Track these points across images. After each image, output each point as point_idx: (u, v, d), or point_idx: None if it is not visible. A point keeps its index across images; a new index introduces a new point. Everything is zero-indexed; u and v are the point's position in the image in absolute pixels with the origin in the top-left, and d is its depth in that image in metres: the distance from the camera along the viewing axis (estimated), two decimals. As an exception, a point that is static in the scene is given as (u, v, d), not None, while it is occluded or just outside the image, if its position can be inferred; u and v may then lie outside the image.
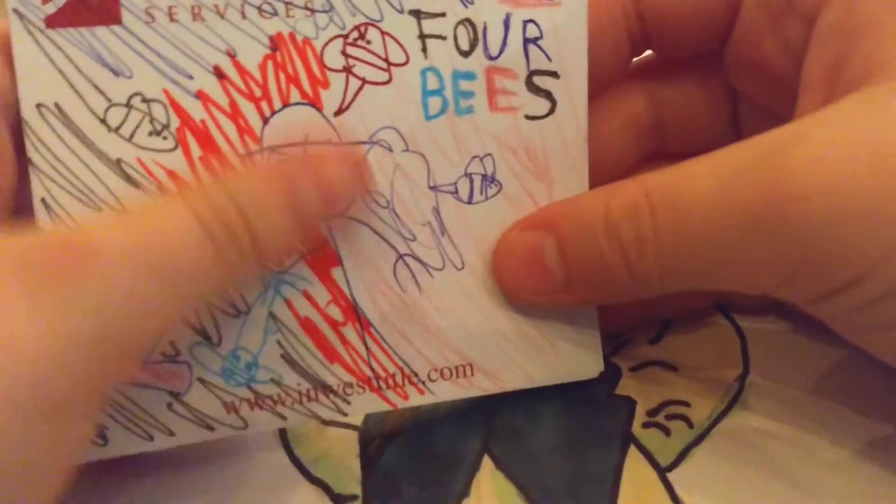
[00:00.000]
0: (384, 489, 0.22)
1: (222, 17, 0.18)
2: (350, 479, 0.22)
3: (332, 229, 0.19)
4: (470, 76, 0.20)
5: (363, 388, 0.20)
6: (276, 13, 0.18)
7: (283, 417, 0.19)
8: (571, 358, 0.21)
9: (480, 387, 0.21)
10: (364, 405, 0.20)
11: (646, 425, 0.24)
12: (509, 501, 0.22)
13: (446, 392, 0.20)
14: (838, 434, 0.22)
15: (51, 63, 0.17)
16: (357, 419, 0.24)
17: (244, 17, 0.18)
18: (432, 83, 0.19)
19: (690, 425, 0.23)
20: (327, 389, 0.20)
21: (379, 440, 0.23)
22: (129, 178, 0.18)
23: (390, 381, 0.20)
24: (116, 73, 0.18)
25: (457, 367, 0.21)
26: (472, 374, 0.21)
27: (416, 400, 0.20)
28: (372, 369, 0.20)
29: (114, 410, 0.18)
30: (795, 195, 0.17)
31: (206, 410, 0.19)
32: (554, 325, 0.21)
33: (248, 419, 0.19)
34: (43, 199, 0.17)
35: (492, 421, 0.24)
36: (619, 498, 0.22)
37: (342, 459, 0.23)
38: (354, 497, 0.22)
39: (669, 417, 0.24)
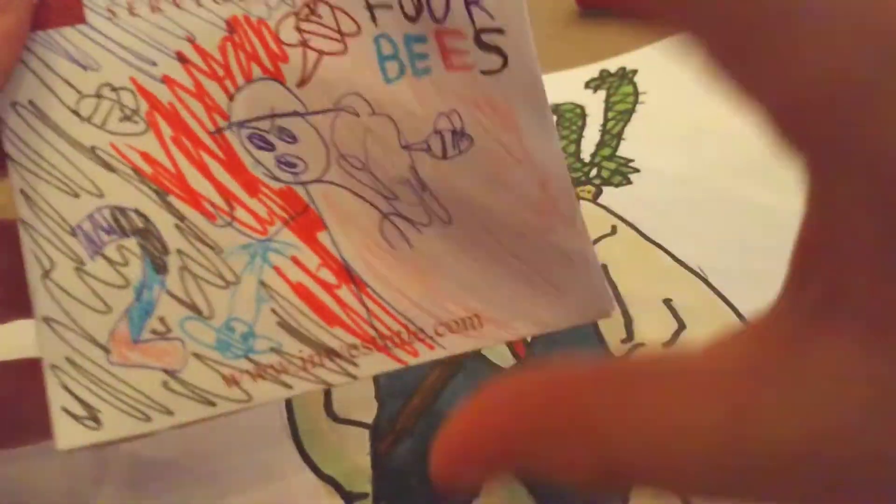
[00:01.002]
0: (395, 487, 0.22)
1: (178, 6, 0.19)
2: (361, 477, 0.22)
3: (312, 195, 0.19)
4: (421, 39, 0.20)
5: (369, 348, 0.19)
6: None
7: (289, 386, 0.18)
8: (579, 298, 0.20)
9: (493, 337, 0.20)
10: (373, 366, 0.19)
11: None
12: (519, 501, 0.22)
13: (457, 345, 0.19)
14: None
15: (23, 65, 0.18)
16: (369, 416, 0.24)
17: (199, 4, 0.19)
18: (386, 49, 0.20)
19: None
20: (331, 353, 0.19)
21: (390, 438, 0.23)
22: (104, 163, 0.18)
23: (396, 339, 0.19)
24: (85, 68, 0.19)
25: (463, 320, 0.20)
26: (482, 325, 0.20)
27: (426, 355, 0.19)
28: (375, 329, 0.19)
29: (104, 392, 0.18)
30: None
31: (205, 386, 0.18)
32: (554, 268, 0.20)
33: (251, 391, 0.18)
34: (22, 190, 0.18)
35: (503, 421, 0.23)
36: (631, 498, 0.21)
37: (353, 457, 0.23)
38: (365, 495, 0.22)
39: None
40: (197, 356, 0.18)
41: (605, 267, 0.28)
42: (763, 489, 0.12)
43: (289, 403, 0.24)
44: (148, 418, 0.17)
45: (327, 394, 0.24)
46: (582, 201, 0.31)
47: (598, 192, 0.32)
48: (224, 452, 0.22)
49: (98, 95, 0.19)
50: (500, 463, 0.15)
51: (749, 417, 0.12)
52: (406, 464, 0.22)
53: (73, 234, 0.18)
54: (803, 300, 0.12)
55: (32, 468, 0.22)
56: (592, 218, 0.30)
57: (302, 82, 0.20)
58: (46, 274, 0.18)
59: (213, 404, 0.18)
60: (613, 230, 0.30)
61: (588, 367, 0.15)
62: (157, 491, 0.22)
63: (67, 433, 0.17)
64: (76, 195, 0.18)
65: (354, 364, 0.19)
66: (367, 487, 0.22)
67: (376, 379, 0.25)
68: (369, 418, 0.24)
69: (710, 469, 0.12)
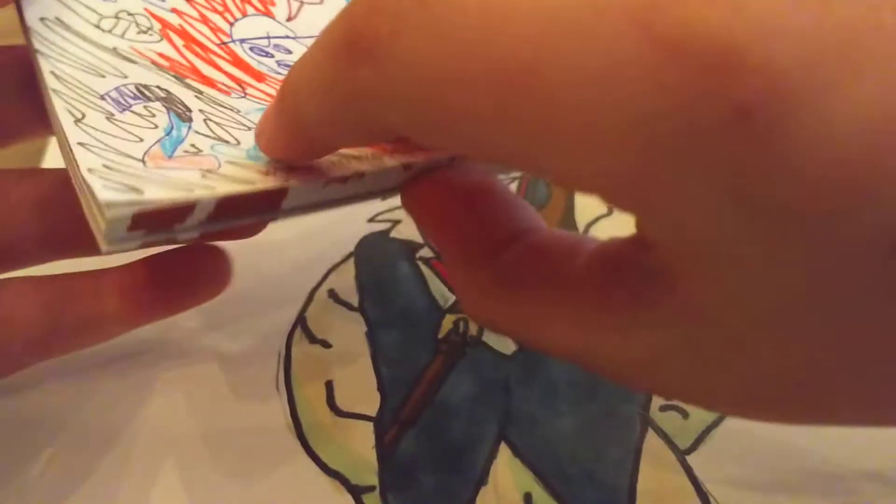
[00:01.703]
0: (401, 479, 0.22)
1: None
2: (367, 471, 0.22)
3: None
4: None
5: (390, 153, 0.20)
6: None
7: (323, 174, 0.19)
8: None
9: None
10: (399, 158, 0.19)
11: (663, 408, 0.23)
12: (527, 488, 0.22)
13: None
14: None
15: None
16: (372, 410, 0.23)
17: None
18: None
19: (708, 407, 0.23)
20: (357, 157, 0.20)
21: (394, 430, 0.23)
22: (125, 58, 0.20)
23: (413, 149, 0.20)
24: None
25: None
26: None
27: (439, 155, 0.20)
28: (393, 147, 0.20)
29: (144, 180, 0.17)
30: None
31: (243, 175, 0.18)
32: None
33: (287, 178, 0.18)
34: (52, 72, 0.19)
35: (507, 407, 0.23)
36: (639, 482, 0.21)
37: (358, 451, 0.23)
38: (372, 488, 0.22)
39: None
40: (231, 162, 0.18)
41: (602, 248, 0.28)
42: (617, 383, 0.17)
43: (291, 400, 0.24)
44: (190, 191, 0.17)
45: (329, 388, 0.24)
46: (577, 182, 0.31)
47: (593, 172, 0.31)
48: (229, 451, 0.22)
49: (117, 17, 0.21)
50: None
51: (593, 348, 0.16)
52: (412, 454, 0.22)
53: (102, 98, 0.19)
54: (646, 257, 0.15)
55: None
56: (588, 198, 0.30)
57: (289, 18, 0.23)
58: (78, 121, 0.18)
59: (252, 183, 0.18)
60: (610, 210, 0.30)
61: (506, 268, 0.18)
62: (163, 489, 0.22)
63: (109, 194, 0.16)
64: (102, 76, 0.20)
65: (381, 160, 0.19)
66: (374, 480, 0.22)
67: (378, 371, 0.24)
68: (372, 411, 0.23)
69: (579, 365, 0.16)
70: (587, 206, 0.30)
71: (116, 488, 0.22)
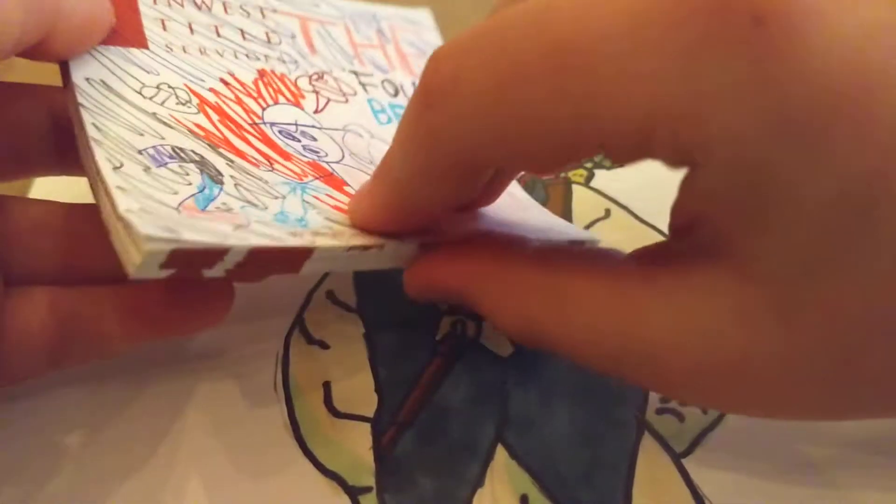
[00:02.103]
0: (398, 480, 0.22)
1: (221, 55, 0.25)
2: (364, 471, 0.22)
3: (334, 168, 0.23)
4: (401, 106, 0.28)
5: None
6: (258, 59, 0.26)
7: (346, 240, 0.20)
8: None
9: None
10: (414, 238, 0.21)
11: (660, 411, 0.23)
12: (524, 490, 0.22)
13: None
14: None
15: (97, 60, 0.22)
16: (369, 411, 0.24)
17: (236, 56, 0.25)
18: (377, 106, 0.27)
19: (705, 410, 0.23)
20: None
21: (391, 431, 0.23)
22: (163, 123, 0.22)
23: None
24: (147, 71, 0.23)
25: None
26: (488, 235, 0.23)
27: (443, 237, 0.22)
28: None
29: (179, 225, 0.18)
30: None
31: (273, 233, 0.19)
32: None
33: (314, 239, 0.20)
34: (93, 124, 0.20)
35: (505, 409, 0.23)
36: (634, 485, 0.21)
37: (355, 452, 0.23)
38: (369, 489, 0.22)
39: (684, 403, 0.24)
40: (260, 222, 0.20)
41: (600, 251, 0.28)
42: (643, 376, 0.17)
43: (289, 401, 0.24)
44: (224, 238, 0.18)
45: (327, 389, 0.24)
46: (574, 185, 0.31)
47: (591, 176, 0.31)
48: (226, 452, 0.22)
49: (158, 88, 0.22)
50: (452, 299, 0.20)
51: (633, 323, 0.16)
52: (409, 456, 0.22)
53: (140, 153, 0.20)
54: (689, 242, 0.16)
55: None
56: (585, 201, 0.30)
57: (316, 111, 0.26)
58: (117, 168, 0.19)
59: (281, 240, 0.19)
60: (607, 213, 0.30)
61: (535, 252, 0.19)
62: (159, 488, 0.22)
63: (150, 229, 0.17)
64: (141, 135, 0.21)
65: (398, 236, 0.21)
66: (371, 481, 0.22)
67: (375, 372, 0.25)
68: (370, 412, 0.24)
69: (605, 357, 0.17)
70: (584, 210, 0.30)
71: (111, 488, 0.22)
